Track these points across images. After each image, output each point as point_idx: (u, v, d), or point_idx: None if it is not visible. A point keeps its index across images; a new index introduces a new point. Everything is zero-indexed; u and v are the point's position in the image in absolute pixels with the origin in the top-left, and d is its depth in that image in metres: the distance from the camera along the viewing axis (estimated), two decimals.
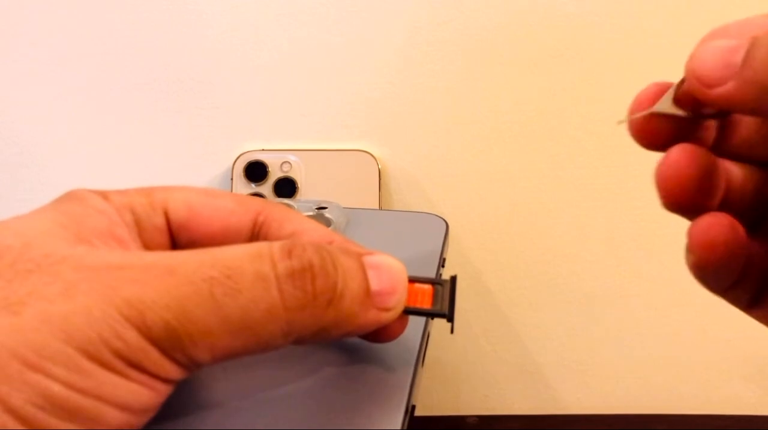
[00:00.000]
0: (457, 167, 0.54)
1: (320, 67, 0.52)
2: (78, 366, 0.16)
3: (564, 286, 0.56)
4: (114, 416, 0.17)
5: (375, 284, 0.20)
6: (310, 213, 0.31)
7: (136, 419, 0.18)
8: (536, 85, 0.52)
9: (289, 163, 0.52)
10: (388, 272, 0.20)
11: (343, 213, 0.32)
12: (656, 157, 0.19)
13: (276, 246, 0.19)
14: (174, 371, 0.18)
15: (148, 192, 0.23)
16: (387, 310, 0.20)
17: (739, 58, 0.17)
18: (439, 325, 0.24)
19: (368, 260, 0.20)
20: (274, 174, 0.52)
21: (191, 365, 0.18)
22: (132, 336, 0.17)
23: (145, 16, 0.51)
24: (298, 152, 0.53)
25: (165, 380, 0.18)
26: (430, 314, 0.22)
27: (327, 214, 0.31)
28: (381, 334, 0.22)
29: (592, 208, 0.54)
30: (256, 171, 0.52)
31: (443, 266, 0.29)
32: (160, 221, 0.22)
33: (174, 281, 0.18)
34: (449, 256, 0.31)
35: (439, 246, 0.30)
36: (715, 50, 0.18)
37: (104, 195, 0.22)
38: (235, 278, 0.18)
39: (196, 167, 0.54)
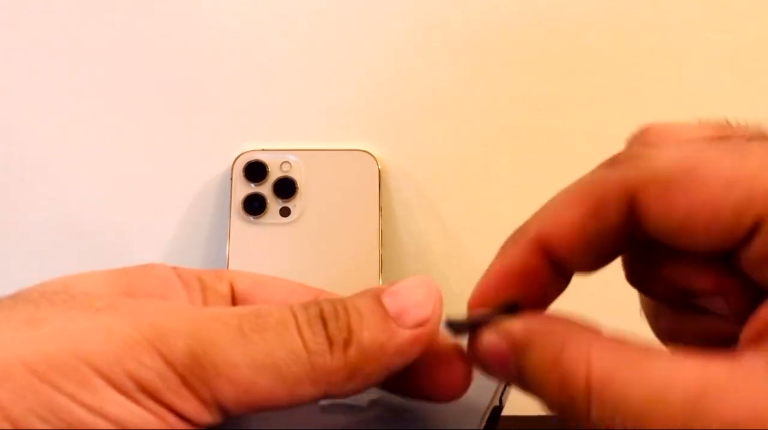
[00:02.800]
0: (458, 167, 0.54)
1: (320, 66, 0.52)
2: (87, 382, 0.16)
3: None
4: None
5: (393, 307, 0.19)
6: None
7: None
8: (537, 84, 0.52)
9: (289, 163, 0.52)
10: (408, 290, 0.20)
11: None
12: None
13: (297, 302, 0.19)
14: (192, 408, 0.17)
15: (216, 269, 0.24)
16: (418, 325, 0.19)
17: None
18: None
19: (386, 290, 0.20)
20: (274, 174, 0.52)
21: (212, 403, 0.17)
22: (151, 359, 0.16)
23: (144, 15, 0.51)
24: (298, 152, 0.53)
25: (179, 416, 0.17)
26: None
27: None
28: (439, 383, 0.21)
29: None
30: (255, 171, 0.52)
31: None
32: (224, 289, 0.23)
33: (203, 315, 0.18)
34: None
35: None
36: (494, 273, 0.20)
37: (174, 267, 0.22)
38: (263, 317, 0.18)
39: (195, 167, 0.54)
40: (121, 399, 0.16)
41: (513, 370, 0.18)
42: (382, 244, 0.52)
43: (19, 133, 0.53)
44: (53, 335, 0.16)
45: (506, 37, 0.51)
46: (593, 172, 0.19)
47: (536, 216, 0.19)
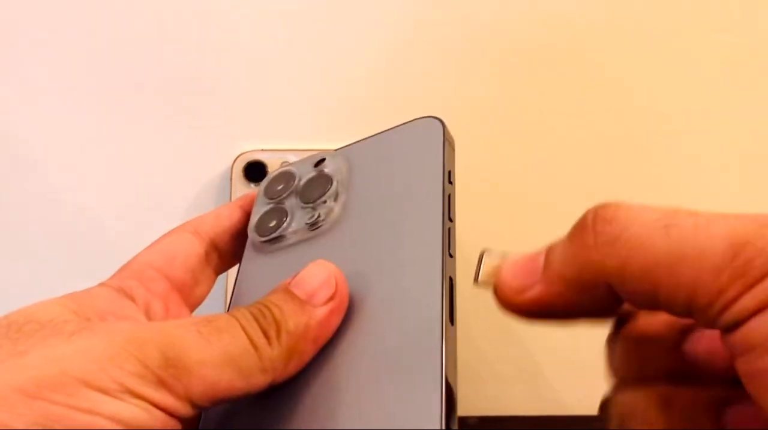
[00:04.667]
0: (458, 168, 0.54)
1: (320, 66, 0.52)
2: (77, 392, 0.18)
3: None
4: (112, 426, 0.19)
5: (302, 293, 0.23)
6: (312, 174, 0.30)
7: None
8: (537, 84, 0.52)
9: (289, 163, 0.52)
10: (309, 276, 0.23)
11: (341, 161, 0.31)
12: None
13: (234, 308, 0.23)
14: (171, 403, 0.19)
15: (139, 267, 0.26)
16: (329, 300, 0.23)
17: (540, 263, 0.21)
18: None
19: (292, 282, 0.23)
20: None
21: (185, 398, 0.20)
22: (131, 365, 0.19)
23: (144, 16, 0.51)
24: (298, 152, 0.53)
25: (162, 410, 0.19)
26: None
27: (326, 170, 0.30)
28: None
29: None
30: (255, 171, 0.52)
31: (450, 182, 0.27)
32: (160, 286, 0.26)
33: (167, 325, 0.21)
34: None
35: (439, 157, 0.28)
36: (516, 263, 0.22)
37: (109, 285, 0.25)
38: (213, 322, 0.21)
39: (195, 167, 0.54)
40: (110, 399, 0.18)
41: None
42: None
43: (18, 133, 0.53)
44: (38, 363, 0.18)
45: (506, 38, 0.51)
46: (572, 248, 0.20)
47: (543, 282, 0.21)
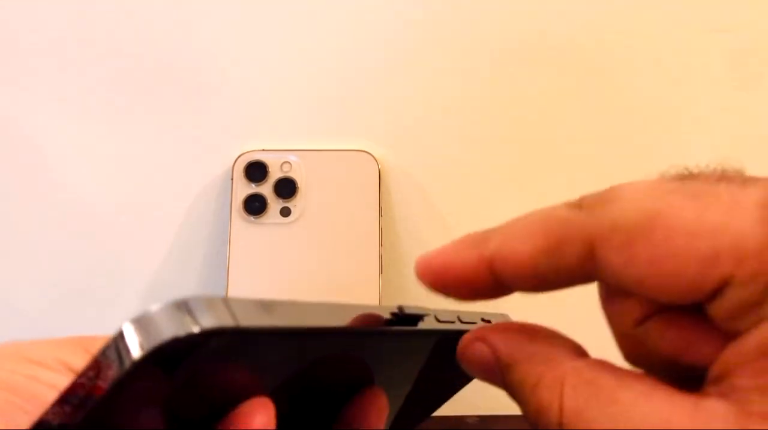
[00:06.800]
0: (458, 167, 0.54)
1: (320, 67, 0.52)
2: (25, 365, 0.20)
3: None
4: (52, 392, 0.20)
5: None
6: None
7: None
8: (539, 84, 0.52)
9: (290, 163, 0.52)
10: None
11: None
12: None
13: None
14: None
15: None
16: None
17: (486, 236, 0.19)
18: None
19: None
20: (275, 174, 0.52)
21: None
22: (76, 354, 0.21)
23: (145, 16, 0.51)
24: (299, 152, 0.53)
25: None
26: None
27: None
28: None
29: None
30: (256, 171, 0.52)
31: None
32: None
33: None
34: None
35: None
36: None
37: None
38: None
39: (196, 167, 0.54)
40: (54, 374, 0.20)
41: (499, 381, 0.20)
42: (382, 244, 0.52)
43: (19, 133, 0.53)
44: None
45: (507, 38, 0.51)
46: (557, 209, 0.19)
47: (498, 234, 0.19)
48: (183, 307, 0.14)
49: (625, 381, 0.17)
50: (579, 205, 0.19)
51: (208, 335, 0.14)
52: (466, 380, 0.26)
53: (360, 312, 0.19)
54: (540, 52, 0.51)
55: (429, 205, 0.55)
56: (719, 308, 0.17)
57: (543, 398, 0.18)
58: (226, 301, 0.15)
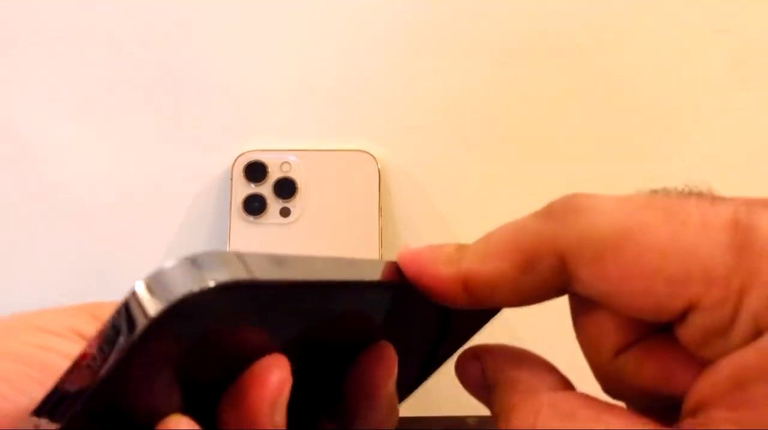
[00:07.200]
0: (458, 167, 0.54)
1: (320, 66, 0.52)
2: (35, 334, 0.20)
3: None
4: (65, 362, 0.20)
5: None
6: None
7: None
8: (539, 84, 0.52)
9: (289, 163, 0.52)
10: None
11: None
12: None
13: None
14: None
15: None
16: None
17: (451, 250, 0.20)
18: None
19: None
20: (274, 174, 0.52)
21: None
22: (85, 320, 0.20)
23: (145, 16, 0.51)
24: (298, 152, 0.53)
25: None
26: None
27: None
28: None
29: None
30: (255, 171, 0.52)
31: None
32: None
33: None
34: None
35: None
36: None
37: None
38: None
39: (195, 167, 0.54)
40: (67, 342, 0.20)
41: (485, 401, 0.21)
42: (382, 244, 0.52)
43: (19, 132, 0.53)
44: (9, 318, 0.21)
45: (507, 38, 0.51)
46: (528, 221, 0.19)
47: (471, 253, 0.20)
48: (197, 262, 0.14)
49: (603, 416, 0.17)
50: (548, 213, 0.19)
51: (223, 289, 0.14)
52: (472, 331, 0.27)
53: (374, 266, 0.19)
54: (540, 52, 0.51)
55: (429, 206, 0.54)
56: (687, 333, 0.17)
57: (516, 424, 0.18)
58: (239, 255, 0.15)
